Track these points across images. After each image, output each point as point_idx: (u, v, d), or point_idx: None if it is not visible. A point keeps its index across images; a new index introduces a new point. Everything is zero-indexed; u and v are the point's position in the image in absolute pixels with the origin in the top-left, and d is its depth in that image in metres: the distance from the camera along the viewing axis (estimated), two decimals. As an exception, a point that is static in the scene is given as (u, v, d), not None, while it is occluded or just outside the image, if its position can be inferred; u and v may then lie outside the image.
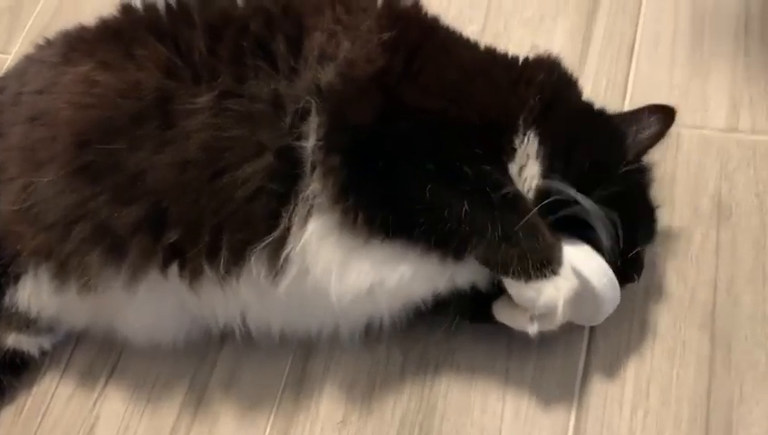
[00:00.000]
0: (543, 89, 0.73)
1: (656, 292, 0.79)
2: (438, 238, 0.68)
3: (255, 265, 0.71)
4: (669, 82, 0.90)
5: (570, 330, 0.77)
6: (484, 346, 0.79)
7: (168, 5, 0.80)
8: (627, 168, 0.72)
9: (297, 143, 0.70)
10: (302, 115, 0.70)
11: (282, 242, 0.70)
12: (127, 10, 0.82)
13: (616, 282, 0.70)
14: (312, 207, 0.70)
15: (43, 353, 0.85)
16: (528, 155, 0.71)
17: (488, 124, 0.70)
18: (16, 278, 0.79)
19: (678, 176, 0.84)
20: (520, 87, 0.74)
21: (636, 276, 0.74)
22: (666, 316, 0.78)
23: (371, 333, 0.78)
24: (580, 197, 0.69)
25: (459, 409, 0.76)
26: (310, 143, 0.70)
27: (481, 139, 0.70)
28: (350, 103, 0.70)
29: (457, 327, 0.79)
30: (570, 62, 0.82)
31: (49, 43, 0.86)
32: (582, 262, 0.68)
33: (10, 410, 0.83)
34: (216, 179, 0.70)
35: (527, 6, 0.99)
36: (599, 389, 0.75)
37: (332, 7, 0.76)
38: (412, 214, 0.67)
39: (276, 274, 0.71)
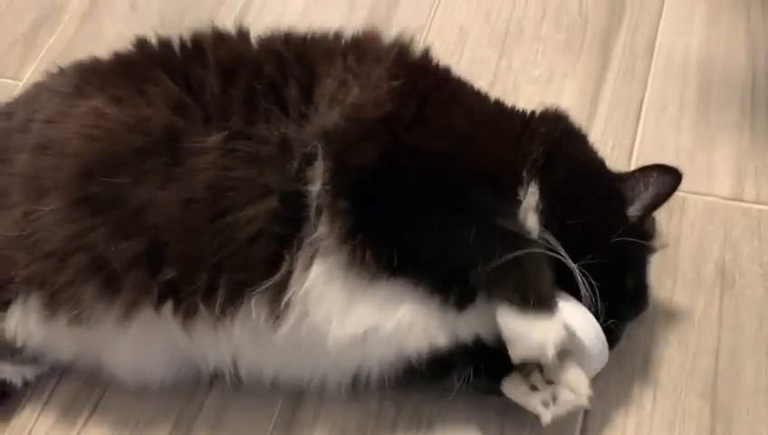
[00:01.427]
0: (546, 141, 0.74)
1: (656, 357, 0.78)
2: (445, 269, 0.68)
3: (255, 308, 0.70)
4: (676, 148, 0.91)
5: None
6: (480, 403, 0.77)
7: (182, 43, 0.81)
8: (624, 236, 0.72)
9: (303, 187, 0.70)
10: (309, 160, 0.71)
11: (284, 286, 0.70)
12: (141, 45, 0.83)
13: (604, 338, 0.70)
14: (316, 251, 0.69)
15: (26, 384, 0.82)
16: (529, 206, 0.72)
17: (492, 175, 0.71)
18: (5, 305, 0.78)
19: (683, 241, 0.84)
20: (524, 139, 0.75)
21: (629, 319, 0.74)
22: (666, 383, 0.77)
23: (358, 386, 0.76)
24: (567, 259, 0.69)
25: (452, 466, 0.75)
26: (315, 187, 0.70)
27: (484, 187, 0.70)
28: (355, 145, 0.70)
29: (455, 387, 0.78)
30: (577, 121, 0.83)
31: (62, 72, 0.87)
32: (573, 316, 0.68)
33: (-14, 441, 0.81)
34: (219, 219, 0.70)
35: (536, 66, 1.00)
36: (596, 454, 0.74)
37: (344, 56, 0.77)
38: (418, 248, 0.68)
39: (277, 317, 0.70)
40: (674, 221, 0.85)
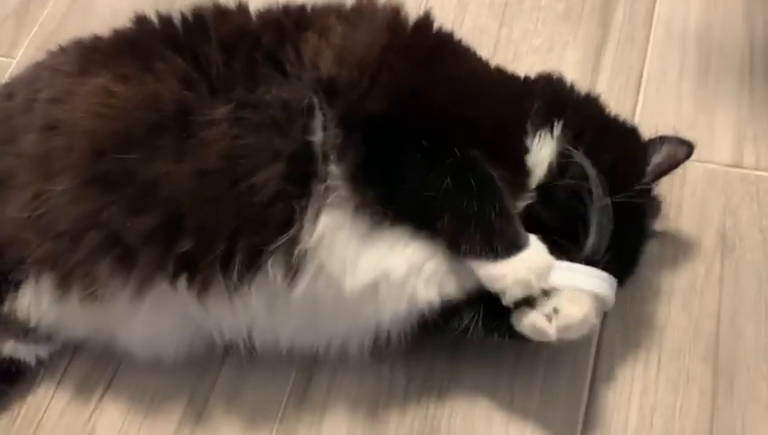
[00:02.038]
0: (546, 94, 0.76)
1: (661, 322, 0.80)
2: (418, 210, 0.70)
3: (272, 268, 0.71)
4: (676, 115, 0.92)
5: (574, 358, 0.78)
6: (489, 370, 0.79)
7: (183, 19, 0.81)
8: (642, 187, 0.74)
9: (307, 141, 0.71)
10: (308, 113, 0.72)
11: (296, 240, 0.71)
12: (141, 21, 0.83)
13: (609, 278, 0.71)
14: (324, 201, 0.71)
15: (40, 363, 0.83)
16: (541, 153, 0.73)
17: (495, 129, 0.73)
18: (17, 286, 0.79)
19: (684, 208, 0.86)
20: (524, 95, 0.76)
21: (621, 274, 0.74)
22: (670, 347, 0.79)
23: (379, 349, 0.77)
24: (594, 174, 0.70)
25: (463, 431, 0.76)
26: (318, 137, 0.71)
27: (487, 136, 0.72)
28: (360, 90, 0.72)
29: (463, 350, 0.80)
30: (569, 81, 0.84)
31: (62, 50, 0.86)
32: (580, 280, 0.69)
33: (3, 420, 0.82)
34: (234, 187, 0.71)
35: (537, 35, 1.00)
36: (603, 417, 0.76)
37: (338, 16, 0.78)
38: (402, 186, 0.70)
39: (294, 275, 0.71)
40: (675, 188, 0.86)
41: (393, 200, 0.71)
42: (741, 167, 0.88)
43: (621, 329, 0.80)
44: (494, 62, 0.92)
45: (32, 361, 0.83)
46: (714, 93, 0.94)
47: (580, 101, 0.79)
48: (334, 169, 0.71)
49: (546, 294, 0.70)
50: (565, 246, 0.71)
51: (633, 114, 0.93)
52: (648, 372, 0.78)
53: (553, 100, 0.76)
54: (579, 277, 0.69)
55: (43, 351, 0.84)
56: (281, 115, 0.72)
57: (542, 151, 0.73)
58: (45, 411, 0.82)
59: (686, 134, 0.90)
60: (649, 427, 0.75)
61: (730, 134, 0.91)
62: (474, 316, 0.74)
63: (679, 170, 0.87)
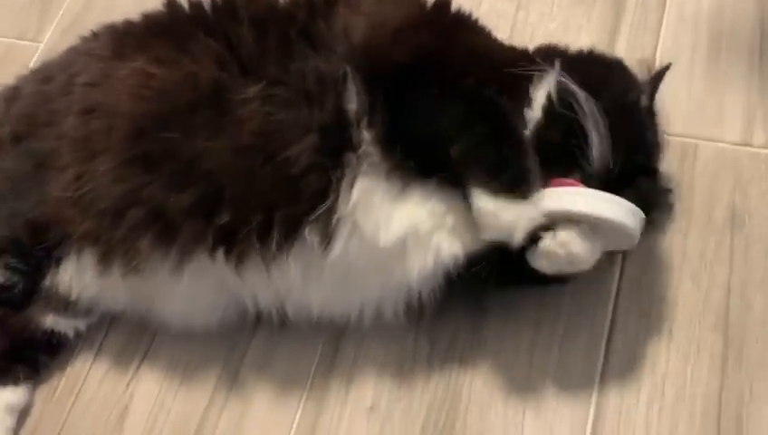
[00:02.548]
0: (545, 50, 0.83)
1: (672, 294, 0.83)
2: (441, 154, 0.72)
3: (309, 236, 0.74)
4: (687, 96, 0.94)
5: (590, 328, 0.82)
6: (509, 338, 0.82)
7: (213, 1, 0.83)
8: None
9: (342, 108, 0.74)
10: (342, 85, 0.75)
11: (332, 208, 0.74)
12: (171, 5, 0.86)
13: (626, 203, 0.71)
14: (358, 169, 0.74)
15: (78, 335, 0.87)
16: (546, 84, 0.76)
17: (509, 83, 0.76)
18: (58, 261, 0.82)
19: (695, 186, 0.89)
20: (530, 59, 0.80)
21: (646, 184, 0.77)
22: (681, 318, 0.82)
23: (412, 312, 0.81)
24: (579, 89, 0.74)
25: (484, 398, 0.80)
26: (352, 106, 0.75)
27: (500, 84, 0.75)
28: (387, 51, 0.76)
29: (485, 319, 0.83)
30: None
31: (95, 36, 0.89)
32: (591, 204, 0.70)
33: (44, 390, 0.86)
34: (270, 161, 0.74)
35: (552, 18, 1.03)
36: (617, 384, 0.80)
37: None
38: (427, 133, 0.73)
39: (329, 242, 0.74)
40: (686, 166, 0.89)
41: (419, 151, 0.73)
42: (750, 146, 0.91)
43: (635, 300, 0.83)
44: (511, 43, 0.94)
45: (70, 333, 0.87)
46: (724, 75, 0.96)
47: (575, 52, 0.84)
48: (366, 134, 0.74)
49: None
50: (577, 160, 0.73)
51: (647, 95, 0.96)
52: (660, 342, 0.81)
53: (552, 53, 0.81)
54: (576, 199, 0.71)
55: (81, 323, 0.87)
56: (315, 88, 0.75)
57: (540, 88, 0.76)
58: (84, 382, 0.86)
59: (697, 114, 0.93)
60: (661, 394, 0.79)
61: (740, 114, 0.93)
62: (493, 264, 0.76)
63: (691, 149, 0.91)
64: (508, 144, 0.72)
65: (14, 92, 0.90)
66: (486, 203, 0.71)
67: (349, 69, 0.75)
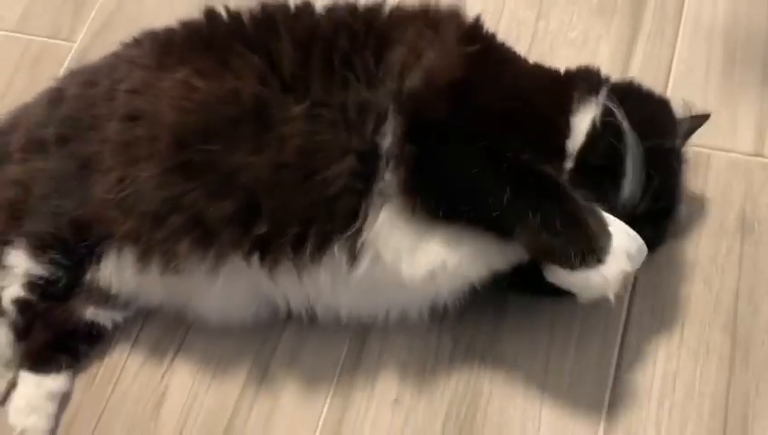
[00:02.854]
0: (583, 76, 0.84)
1: (684, 296, 0.87)
2: (487, 223, 0.75)
3: (338, 253, 0.78)
4: (702, 107, 0.96)
5: (605, 327, 0.86)
6: (528, 338, 0.86)
7: (252, 16, 0.87)
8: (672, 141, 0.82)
9: (376, 143, 0.77)
10: (382, 119, 0.78)
11: (360, 231, 0.77)
12: (211, 16, 0.89)
13: (638, 241, 0.74)
14: (385, 198, 0.77)
15: (116, 326, 0.92)
16: (588, 111, 0.79)
17: (541, 115, 0.79)
18: (99, 258, 0.87)
19: (707, 194, 0.92)
20: (570, 81, 0.83)
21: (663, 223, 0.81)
22: (692, 319, 0.86)
23: (436, 314, 0.85)
24: (628, 127, 0.77)
25: (503, 392, 0.84)
26: (386, 142, 0.77)
27: (534, 129, 0.77)
28: (427, 103, 0.78)
29: (504, 320, 0.87)
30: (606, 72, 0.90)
31: (137, 43, 0.92)
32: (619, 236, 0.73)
33: (83, 379, 0.90)
34: (308, 179, 0.77)
35: (572, 28, 1.06)
36: (630, 381, 0.84)
37: (415, 24, 0.83)
38: (463, 197, 0.75)
39: (354, 261, 0.78)
40: (700, 175, 0.92)
41: (449, 210, 0.75)
42: (762, 156, 0.94)
43: (649, 301, 0.87)
44: (531, 53, 0.98)
45: (109, 325, 0.91)
46: (738, 87, 0.99)
47: (620, 81, 0.86)
48: (392, 175, 0.77)
49: None
50: (606, 189, 0.77)
51: (661, 105, 0.99)
52: (672, 342, 0.85)
53: (594, 81, 0.83)
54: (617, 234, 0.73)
55: (119, 316, 0.92)
56: (355, 115, 0.78)
57: (583, 114, 0.79)
58: (122, 371, 0.90)
59: (710, 125, 0.96)
60: (672, 391, 0.83)
61: (752, 125, 0.96)
62: (513, 276, 0.81)
63: (704, 159, 0.94)
64: (565, 219, 0.71)
65: (58, 94, 0.93)
66: (571, 279, 0.72)
67: (392, 107, 0.77)
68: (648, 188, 0.78)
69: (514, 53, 0.88)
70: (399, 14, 0.85)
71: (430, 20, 0.84)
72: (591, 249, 0.71)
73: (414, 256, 0.77)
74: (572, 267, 0.72)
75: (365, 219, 0.77)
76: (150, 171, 0.80)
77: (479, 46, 0.81)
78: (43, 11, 1.18)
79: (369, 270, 0.79)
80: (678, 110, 0.85)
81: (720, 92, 0.99)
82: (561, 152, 0.78)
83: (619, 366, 0.84)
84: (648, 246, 0.75)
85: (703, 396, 0.82)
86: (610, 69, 0.99)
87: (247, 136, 0.79)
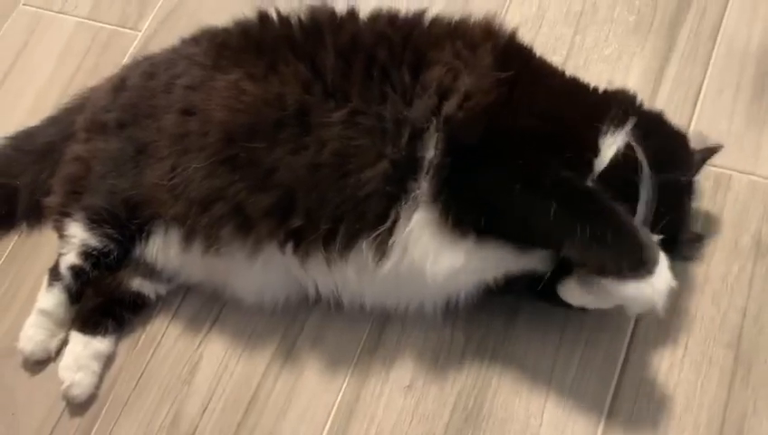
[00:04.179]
0: (621, 101, 0.87)
1: (692, 311, 0.90)
2: (533, 239, 0.79)
3: (366, 250, 0.84)
4: (728, 129, 0.99)
5: (612, 335, 0.90)
6: (538, 338, 0.91)
7: (300, 22, 0.93)
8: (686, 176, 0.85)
9: (413, 154, 0.82)
10: (420, 133, 0.83)
11: (390, 232, 0.83)
12: (264, 20, 0.95)
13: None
14: (418, 205, 0.82)
15: (159, 298, 1.00)
16: (617, 137, 0.81)
17: (573, 133, 0.82)
18: (148, 235, 0.94)
19: (725, 213, 0.95)
20: (603, 104, 0.85)
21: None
22: (698, 333, 0.89)
23: (450, 308, 0.90)
24: (646, 162, 0.79)
25: (510, 388, 0.89)
26: (429, 155, 0.82)
27: (566, 146, 0.80)
28: (464, 127, 0.82)
29: (515, 320, 0.92)
30: (641, 99, 0.93)
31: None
32: None
33: (126, 343, 0.98)
34: (342, 180, 0.83)
35: (608, 44, 1.09)
36: (633, 387, 0.87)
37: (452, 42, 0.87)
38: (503, 215, 0.79)
39: (382, 258, 0.84)
40: (719, 195, 0.95)
41: (484, 223, 0.79)
42: (783, 181, 0.97)
43: (655, 316, 0.88)
44: (566, 67, 1.01)
45: (153, 296, 0.99)
46: (765, 112, 1.00)
47: (649, 112, 0.89)
48: (425, 185, 0.81)
49: None
50: None
51: (688, 125, 1.01)
52: (676, 353, 0.88)
53: (626, 107, 0.86)
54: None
55: (162, 289, 0.99)
56: (391, 126, 0.83)
57: (609, 142, 0.82)
58: (162, 339, 0.98)
59: (734, 147, 0.99)
60: (671, 401, 0.86)
61: (777, 150, 0.98)
62: (528, 286, 0.86)
63: (725, 179, 0.97)
64: (614, 232, 0.73)
65: (121, 83, 1.01)
66: (622, 291, 0.74)
67: (434, 122, 0.82)
68: (657, 220, 0.81)
69: (550, 66, 0.91)
70: (437, 31, 0.89)
71: (467, 38, 0.88)
72: (642, 261, 0.73)
73: (439, 258, 0.82)
74: (624, 279, 0.73)
75: (395, 222, 0.83)
76: (200, 162, 0.88)
77: (514, 72, 0.85)
78: (113, 1, 1.26)
79: (394, 266, 0.84)
80: (695, 141, 0.89)
81: (747, 115, 1.01)
82: (588, 169, 0.81)
83: (622, 372, 0.88)
84: None
85: (701, 408, 0.85)
86: (642, 86, 1.04)
87: (289, 137, 0.85)
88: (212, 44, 0.96)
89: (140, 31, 1.23)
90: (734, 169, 0.97)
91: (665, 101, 1.02)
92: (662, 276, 0.74)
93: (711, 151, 0.90)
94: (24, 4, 1.28)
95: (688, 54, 1.06)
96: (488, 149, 0.81)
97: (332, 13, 0.93)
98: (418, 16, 0.92)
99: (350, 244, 0.84)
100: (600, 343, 0.90)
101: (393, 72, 0.86)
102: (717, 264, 0.92)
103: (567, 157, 0.80)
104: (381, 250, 0.84)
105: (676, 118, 1.00)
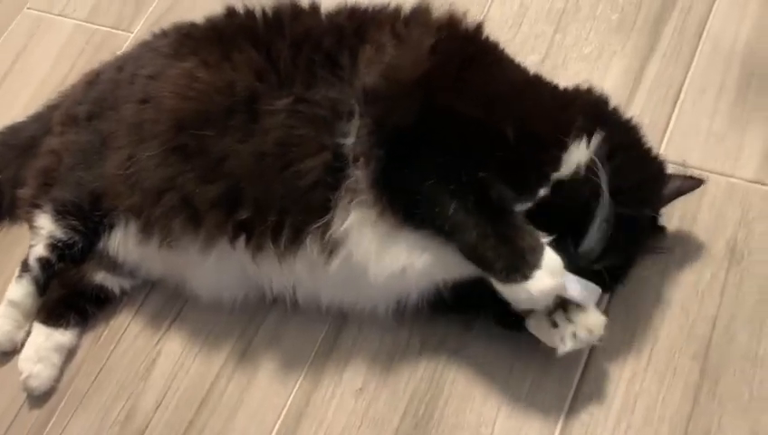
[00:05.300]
0: (589, 109, 0.81)
1: (659, 319, 0.85)
2: (434, 228, 0.77)
3: (310, 245, 0.82)
4: (708, 129, 0.94)
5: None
6: (495, 345, 0.87)
7: (264, 14, 0.92)
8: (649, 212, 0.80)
9: (343, 141, 0.80)
10: (348, 117, 0.81)
11: (329, 225, 0.81)
12: (230, 13, 0.95)
13: (592, 286, 0.77)
14: (353, 198, 0.80)
15: (123, 293, 0.99)
16: (581, 150, 0.77)
17: (528, 140, 0.77)
18: (110, 228, 0.94)
19: (700, 217, 0.89)
20: (566, 110, 0.81)
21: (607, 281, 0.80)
22: (663, 342, 0.84)
23: (401, 310, 0.87)
24: (606, 187, 0.76)
25: (463, 395, 0.85)
26: (350, 141, 0.80)
27: (509, 150, 0.77)
28: (393, 104, 0.79)
29: (473, 327, 0.88)
30: (619, 98, 0.89)
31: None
32: (577, 292, 0.76)
33: (90, 337, 0.98)
34: (285, 170, 0.81)
35: (588, 43, 1.05)
36: (590, 397, 0.82)
37: (393, 24, 0.86)
38: (417, 204, 0.77)
39: (328, 254, 0.82)
40: (694, 198, 0.89)
41: (407, 212, 0.77)
42: (763, 184, 0.91)
43: (621, 319, 0.85)
44: (544, 66, 0.98)
45: (117, 290, 0.99)
46: (749, 113, 0.95)
47: (621, 124, 0.84)
48: (359, 173, 0.79)
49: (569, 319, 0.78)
50: (564, 240, 0.77)
51: (666, 125, 0.96)
52: (639, 362, 0.83)
53: (595, 116, 0.81)
54: (576, 289, 0.76)
55: (126, 284, 0.99)
56: (328, 114, 0.81)
57: (573, 154, 0.78)
58: (123, 334, 0.98)
59: (715, 148, 0.93)
60: (631, 412, 0.81)
61: (758, 152, 0.93)
62: (485, 308, 0.83)
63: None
64: (498, 237, 0.74)
65: (95, 77, 1.03)
66: (502, 288, 0.76)
67: (357, 106, 0.80)
68: (609, 248, 0.78)
69: (513, 61, 0.87)
70: (387, 16, 0.87)
71: (416, 22, 0.85)
72: (516, 266, 0.74)
73: (380, 258, 0.80)
74: (501, 280, 0.75)
75: (334, 216, 0.80)
76: (152, 151, 0.87)
77: (459, 43, 0.82)
78: (111, 4, 1.29)
79: (341, 266, 0.82)
80: (671, 167, 0.83)
81: (729, 116, 0.96)
82: (543, 179, 0.78)
83: (581, 380, 0.83)
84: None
85: (662, 422, 0.80)
86: (620, 85, 1.00)
87: (238, 125, 0.84)
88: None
89: (132, 33, 1.24)
90: (712, 171, 0.92)
91: (643, 100, 0.98)
92: (541, 281, 0.74)
93: (691, 184, 0.84)
94: (28, 8, 1.31)
95: (671, 53, 1.01)
96: (421, 132, 0.78)
97: (296, 6, 0.92)
98: (381, 8, 0.90)
99: (296, 238, 0.82)
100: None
101: (336, 56, 0.84)
102: (689, 270, 0.87)
103: (501, 155, 0.76)
104: (326, 246, 0.81)
105: (654, 117, 0.97)
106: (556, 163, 0.77)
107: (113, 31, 1.26)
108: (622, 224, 0.77)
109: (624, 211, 0.77)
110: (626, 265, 0.81)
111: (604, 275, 0.78)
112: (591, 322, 0.78)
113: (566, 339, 0.78)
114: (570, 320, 0.78)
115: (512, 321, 0.82)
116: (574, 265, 0.76)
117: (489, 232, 0.74)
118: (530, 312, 0.80)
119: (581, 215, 0.77)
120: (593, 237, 0.77)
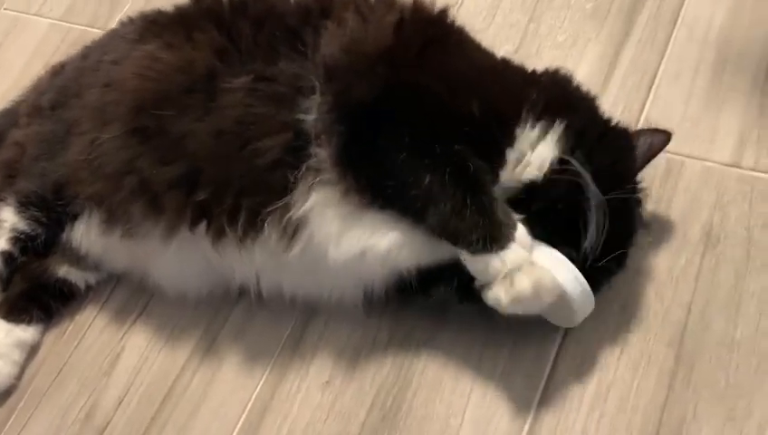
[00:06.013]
0: (549, 87, 0.79)
1: (632, 305, 0.83)
2: (404, 204, 0.74)
3: (269, 230, 0.79)
4: (683, 114, 0.93)
5: (543, 330, 0.82)
6: (465, 335, 0.84)
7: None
8: (630, 185, 0.78)
9: (304, 117, 0.78)
10: (309, 93, 0.79)
11: (288, 207, 0.79)
12: (198, 0, 0.94)
13: (589, 289, 0.74)
14: (315, 177, 0.78)
15: (88, 288, 0.97)
16: (538, 140, 0.76)
17: (487, 115, 0.75)
18: (73, 218, 0.92)
19: (675, 201, 0.87)
20: (526, 87, 0.79)
21: (614, 271, 0.78)
22: (637, 329, 0.81)
23: (368, 301, 0.84)
24: (590, 180, 0.73)
25: (431, 386, 0.83)
26: (311, 117, 0.78)
27: (472, 126, 0.75)
28: (355, 79, 0.77)
29: (443, 317, 0.85)
30: (593, 85, 0.87)
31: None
32: (556, 269, 0.73)
33: (54, 333, 0.95)
34: (243, 149, 0.79)
35: (562, 31, 1.04)
36: (562, 386, 0.80)
37: (358, 3, 0.84)
38: (386, 180, 0.75)
39: (290, 239, 0.79)
40: (669, 183, 0.87)
41: (375, 190, 0.75)
42: (739, 167, 0.89)
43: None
44: (517, 56, 0.96)
45: (81, 285, 0.96)
46: (724, 96, 0.94)
47: (581, 103, 0.81)
48: (322, 151, 0.77)
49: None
50: (568, 244, 0.74)
51: (641, 110, 0.95)
52: (613, 350, 0.80)
53: (556, 96, 0.79)
54: (557, 267, 0.73)
55: (91, 278, 0.97)
56: (288, 91, 0.80)
57: (539, 150, 0.76)
58: (87, 330, 0.95)
59: (690, 132, 0.92)
60: (604, 401, 0.78)
61: (733, 135, 0.91)
62: (449, 286, 0.80)
63: (676, 166, 0.90)
64: (477, 210, 0.72)
65: (60, 68, 1.02)
66: (471, 263, 0.73)
67: (317, 82, 0.79)
68: (607, 240, 0.75)
69: (479, 44, 0.86)
70: None
71: (381, 2, 0.84)
72: (495, 236, 0.72)
73: (340, 240, 0.78)
74: (473, 252, 0.72)
75: (293, 197, 0.78)
76: (114, 133, 0.85)
77: (423, 24, 0.81)
78: (87, 3, 1.28)
79: (302, 252, 0.80)
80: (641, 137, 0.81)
81: (704, 100, 0.94)
82: (499, 157, 0.76)
83: (553, 369, 0.81)
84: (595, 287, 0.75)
85: (636, 411, 0.77)
86: (595, 72, 0.99)
87: (196, 104, 0.82)
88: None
89: (106, 30, 1.23)
90: (687, 155, 0.90)
91: (618, 86, 0.96)
92: (515, 253, 0.72)
93: (659, 137, 0.81)
94: (5, 9, 1.30)
95: (646, 39, 1.00)
96: (385, 107, 0.76)
97: None
98: None
99: (253, 223, 0.80)
100: (531, 339, 0.82)
101: (299, 33, 0.83)
102: (664, 256, 0.85)
103: (472, 133, 0.74)
104: (286, 230, 0.79)
105: (629, 102, 0.95)
106: (510, 138, 0.76)
107: (88, 29, 1.25)
108: (612, 210, 0.75)
109: (612, 194, 0.75)
110: (624, 253, 0.78)
111: (612, 268, 0.76)
112: (537, 273, 0.72)
113: (508, 288, 0.72)
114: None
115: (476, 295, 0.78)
116: (582, 265, 0.74)
117: (467, 203, 0.72)
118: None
119: (574, 214, 0.75)
120: (593, 232, 0.74)
